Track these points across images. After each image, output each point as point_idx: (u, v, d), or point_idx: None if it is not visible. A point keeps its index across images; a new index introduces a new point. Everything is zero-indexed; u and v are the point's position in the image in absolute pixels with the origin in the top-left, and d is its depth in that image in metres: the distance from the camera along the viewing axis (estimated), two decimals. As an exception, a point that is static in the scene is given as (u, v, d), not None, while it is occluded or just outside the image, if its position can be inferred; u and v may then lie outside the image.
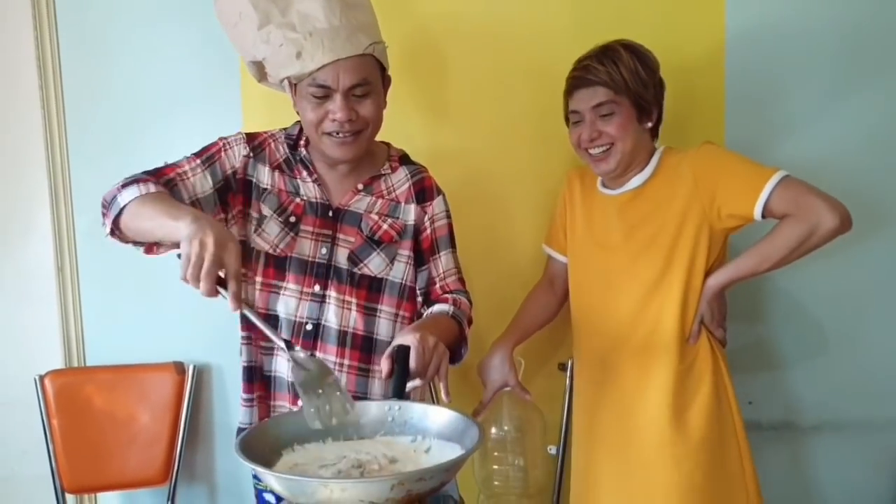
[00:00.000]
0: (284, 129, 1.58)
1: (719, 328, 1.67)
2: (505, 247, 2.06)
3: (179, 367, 2.06)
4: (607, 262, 1.70)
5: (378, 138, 1.56)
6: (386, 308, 1.52)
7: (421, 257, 1.57)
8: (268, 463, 1.11)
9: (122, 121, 2.05)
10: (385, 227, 1.53)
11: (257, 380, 1.52)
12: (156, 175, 1.41)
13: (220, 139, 1.52)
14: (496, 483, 1.89)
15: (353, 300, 1.50)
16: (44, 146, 2.03)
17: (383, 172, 1.56)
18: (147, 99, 2.04)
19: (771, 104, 2.01)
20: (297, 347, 1.23)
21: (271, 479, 1.03)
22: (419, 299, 1.57)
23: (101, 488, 2.06)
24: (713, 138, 1.78)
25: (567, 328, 1.88)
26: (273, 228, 1.49)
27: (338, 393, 1.19)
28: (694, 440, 1.59)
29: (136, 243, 1.37)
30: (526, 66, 2.00)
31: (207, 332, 2.04)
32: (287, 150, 1.54)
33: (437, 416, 1.22)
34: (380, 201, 1.54)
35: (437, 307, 1.54)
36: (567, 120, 1.72)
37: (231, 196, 1.49)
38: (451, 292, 1.57)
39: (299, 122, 1.56)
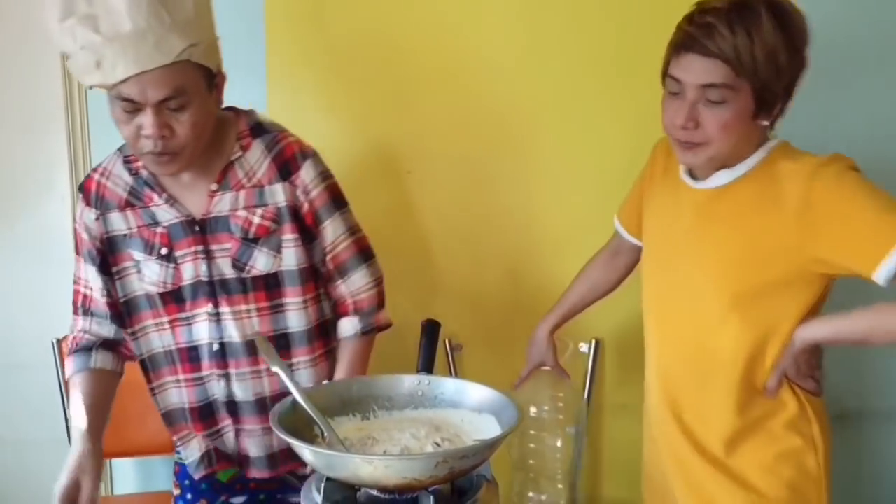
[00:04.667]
0: (119, 149, 1.44)
1: (808, 379, 1.32)
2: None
3: (197, 335, 2.03)
4: (673, 271, 1.38)
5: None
6: (290, 300, 1.42)
7: (310, 234, 1.43)
8: (297, 436, 1.08)
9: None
10: (256, 220, 1.38)
11: (210, 413, 1.49)
12: (77, 311, 1.47)
13: (74, 223, 1.46)
14: (531, 462, 1.87)
15: (253, 306, 1.41)
16: (63, 107, 1.99)
17: (234, 157, 1.39)
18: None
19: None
20: None
21: (307, 452, 1.02)
22: (323, 271, 1.47)
23: (116, 454, 2.04)
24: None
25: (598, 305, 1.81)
26: (152, 268, 1.41)
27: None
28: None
29: None
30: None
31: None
32: (130, 177, 1.41)
33: (474, 393, 1.20)
34: (242, 193, 1.38)
35: (343, 328, 1.47)
36: (664, 78, 1.30)
37: (110, 261, 1.43)
38: (345, 272, 1.46)
39: None
